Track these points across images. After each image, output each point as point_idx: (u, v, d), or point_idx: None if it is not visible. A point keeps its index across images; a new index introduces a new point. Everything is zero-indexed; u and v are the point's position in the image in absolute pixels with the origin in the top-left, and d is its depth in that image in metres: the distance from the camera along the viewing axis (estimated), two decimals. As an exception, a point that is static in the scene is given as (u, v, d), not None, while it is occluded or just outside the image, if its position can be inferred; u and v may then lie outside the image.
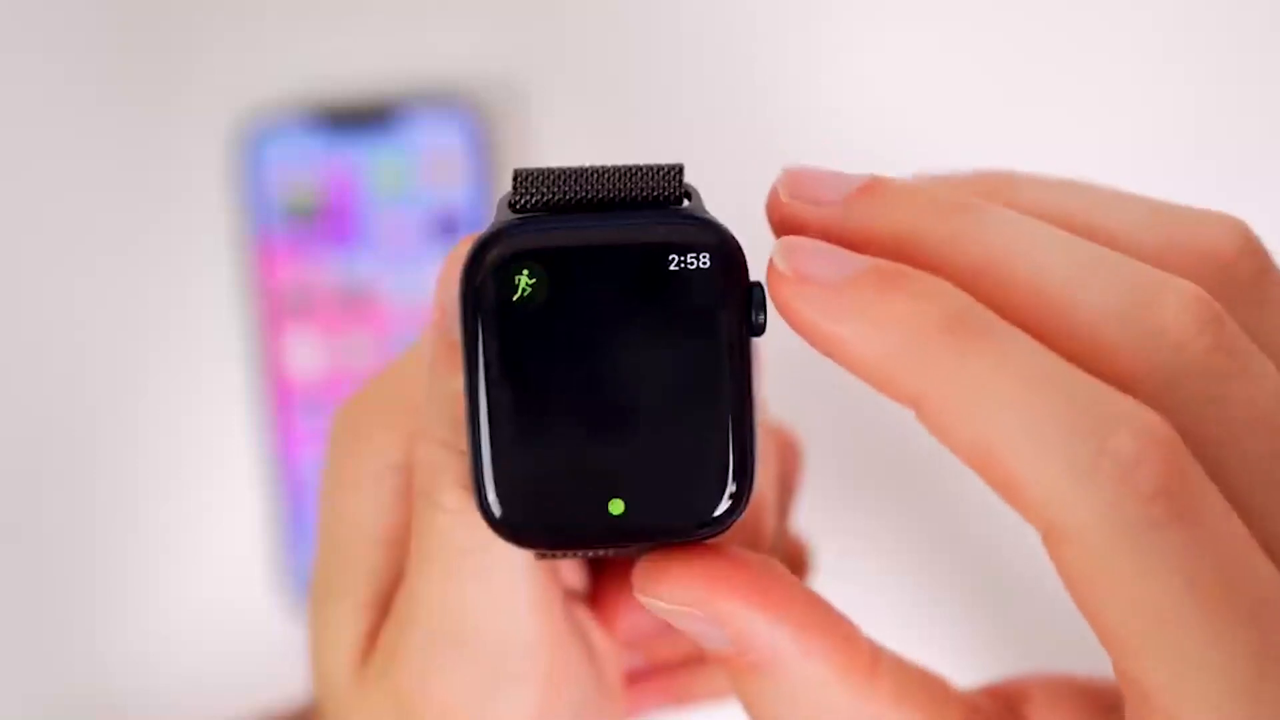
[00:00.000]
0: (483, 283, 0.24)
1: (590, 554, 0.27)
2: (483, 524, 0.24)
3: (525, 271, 0.24)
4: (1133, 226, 0.26)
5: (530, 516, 0.24)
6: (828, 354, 0.24)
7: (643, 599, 0.26)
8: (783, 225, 0.25)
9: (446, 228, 0.55)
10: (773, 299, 0.24)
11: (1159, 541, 0.21)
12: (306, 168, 0.55)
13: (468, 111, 0.55)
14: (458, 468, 0.26)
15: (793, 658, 0.25)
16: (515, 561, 0.27)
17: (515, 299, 0.24)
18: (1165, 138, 0.54)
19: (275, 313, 0.55)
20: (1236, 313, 0.25)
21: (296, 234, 0.55)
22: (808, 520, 0.37)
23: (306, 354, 0.55)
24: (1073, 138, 0.54)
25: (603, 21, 0.55)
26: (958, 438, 0.23)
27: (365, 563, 0.29)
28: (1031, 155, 0.54)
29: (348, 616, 0.29)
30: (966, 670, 0.28)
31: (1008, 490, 0.23)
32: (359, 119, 0.55)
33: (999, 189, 0.28)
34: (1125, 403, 0.22)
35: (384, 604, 0.29)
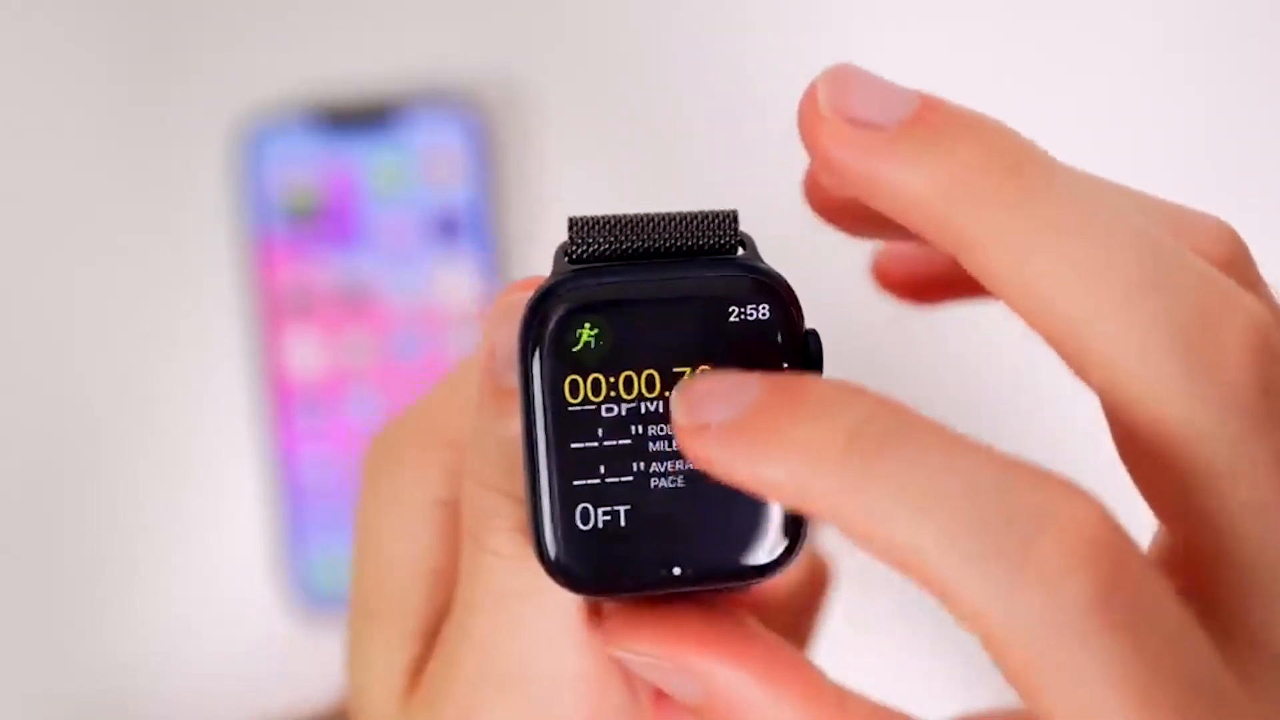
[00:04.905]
0: (543, 335, 0.24)
1: (643, 599, 0.27)
2: (534, 568, 0.25)
3: (586, 324, 0.24)
4: None
5: (589, 565, 0.24)
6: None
7: (614, 651, 0.26)
8: (812, 145, 0.24)
9: (446, 228, 0.55)
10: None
11: (1093, 648, 0.21)
12: (306, 168, 0.55)
13: (468, 111, 0.55)
14: (510, 512, 0.26)
15: (762, 704, 0.26)
16: (565, 604, 0.27)
17: (576, 351, 0.24)
18: (1168, 138, 0.54)
19: (275, 313, 0.55)
20: None
21: (296, 234, 0.55)
22: (830, 533, 0.37)
23: (306, 354, 0.55)
24: (1081, 139, 0.54)
25: (603, 21, 0.55)
26: (878, 554, 0.22)
27: (410, 594, 0.29)
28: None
29: (392, 646, 0.29)
30: (988, 678, 0.28)
31: (940, 598, 0.22)
32: (359, 119, 0.55)
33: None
34: (1050, 497, 0.21)
35: (429, 635, 0.29)
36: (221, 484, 0.55)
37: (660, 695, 0.33)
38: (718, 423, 0.22)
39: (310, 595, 0.55)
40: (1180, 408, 0.22)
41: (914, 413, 0.22)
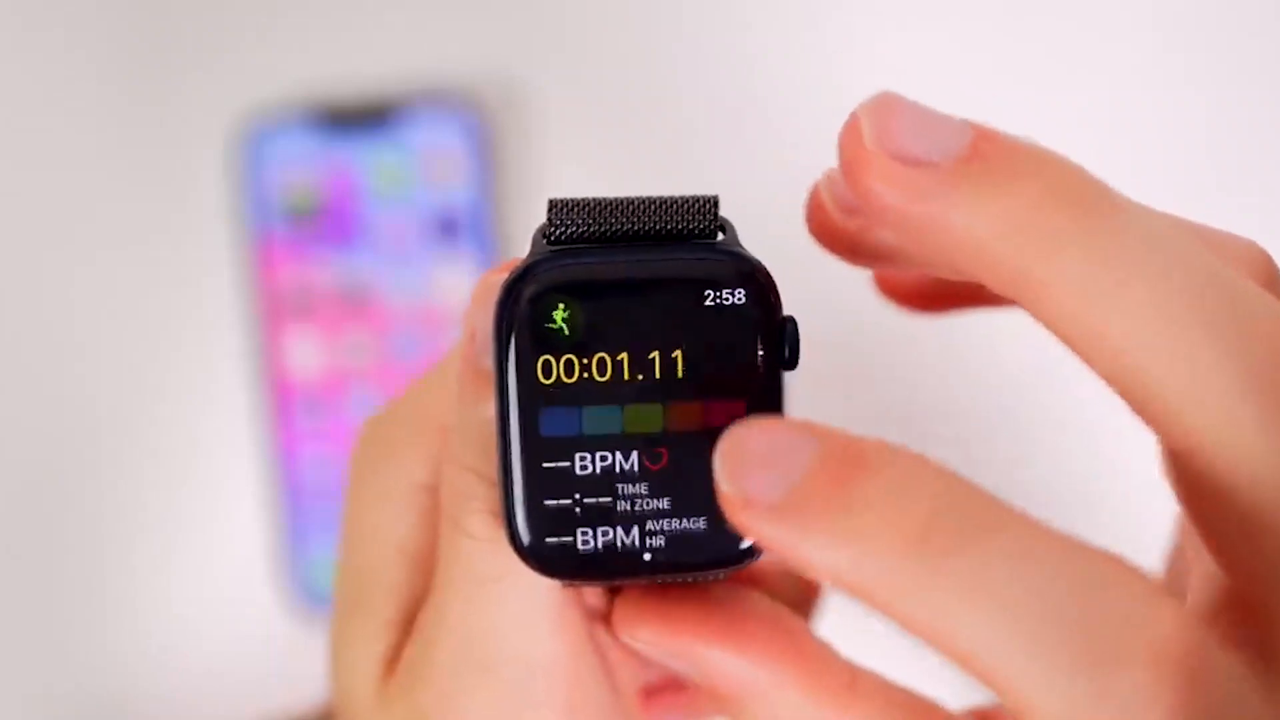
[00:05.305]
0: (517, 315, 0.24)
1: (616, 584, 0.27)
2: (510, 551, 0.24)
3: (560, 305, 0.24)
4: None
5: (560, 549, 0.24)
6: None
7: (622, 638, 0.26)
8: (856, 184, 0.22)
9: (446, 228, 0.55)
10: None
11: None
12: (306, 168, 0.55)
13: (468, 111, 0.55)
14: (486, 495, 0.26)
15: (764, 687, 0.25)
16: (540, 588, 0.27)
17: (549, 331, 0.24)
18: (1168, 138, 0.54)
19: (275, 313, 0.55)
20: None
21: (296, 234, 0.55)
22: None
23: (306, 354, 0.55)
24: (1081, 139, 0.54)
25: (603, 21, 0.55)
26: (928, 643, 0.20)
27: (390, 580, 0.29)
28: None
29: (371, 633, 0.29)
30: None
31: (998, 694, 0.20)
32: (359, 119, 0.55)
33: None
34: (1134, 604, 0.20)
35: (408, 622, 0.29)
36: (221, 484, 0.55)
37: (649, 695, 0.33)
38: (768, 501, 0.20)
39: (310, 595, 0.55)
40: (1261, 458, 0.21)
41: (988, 499, 0.20)
